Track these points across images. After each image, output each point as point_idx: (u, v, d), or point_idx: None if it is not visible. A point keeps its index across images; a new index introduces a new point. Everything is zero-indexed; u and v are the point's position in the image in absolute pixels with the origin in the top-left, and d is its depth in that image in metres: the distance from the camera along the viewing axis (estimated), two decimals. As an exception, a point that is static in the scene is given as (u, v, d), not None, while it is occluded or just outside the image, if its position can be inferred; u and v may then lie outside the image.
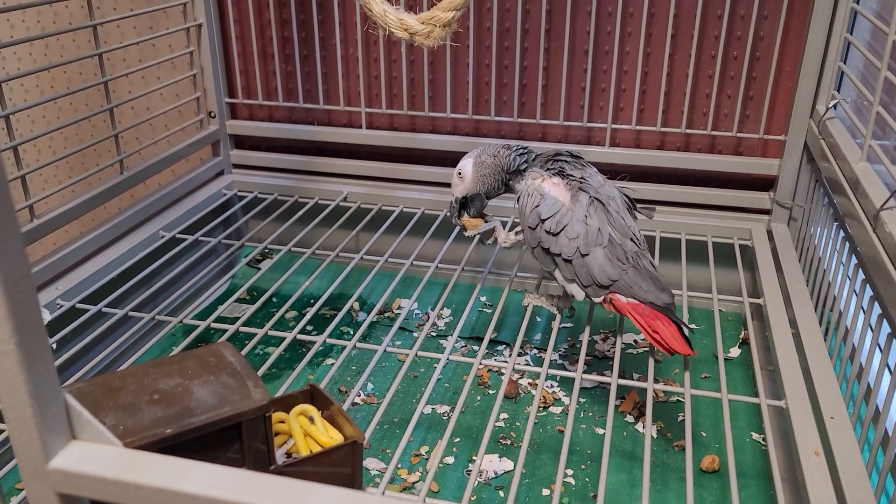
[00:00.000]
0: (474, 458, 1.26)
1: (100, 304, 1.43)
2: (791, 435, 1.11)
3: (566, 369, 1.46)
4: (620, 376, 1.21)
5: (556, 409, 1.40)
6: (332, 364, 1.46)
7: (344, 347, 1.30)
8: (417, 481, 1.22)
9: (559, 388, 1.46)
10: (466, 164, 1.35)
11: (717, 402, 1.39)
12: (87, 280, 1.50)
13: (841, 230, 1.36)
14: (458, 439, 1.33)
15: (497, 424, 1.36)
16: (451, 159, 1.85)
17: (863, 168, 1.26)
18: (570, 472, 1.25)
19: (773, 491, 1.15)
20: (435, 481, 1.23)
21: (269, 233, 1.76)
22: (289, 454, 0.93)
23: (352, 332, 1.62)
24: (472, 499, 1.20)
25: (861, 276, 1.22)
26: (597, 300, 1.24)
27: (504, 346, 1.59)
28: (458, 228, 1.60)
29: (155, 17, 2.01)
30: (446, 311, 1.73)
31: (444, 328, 1.67)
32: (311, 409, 0.97)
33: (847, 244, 1.32)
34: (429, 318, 1.67)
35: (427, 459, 1.27)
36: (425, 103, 1.87)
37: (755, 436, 1.34)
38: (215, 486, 0.51)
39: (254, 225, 1.95)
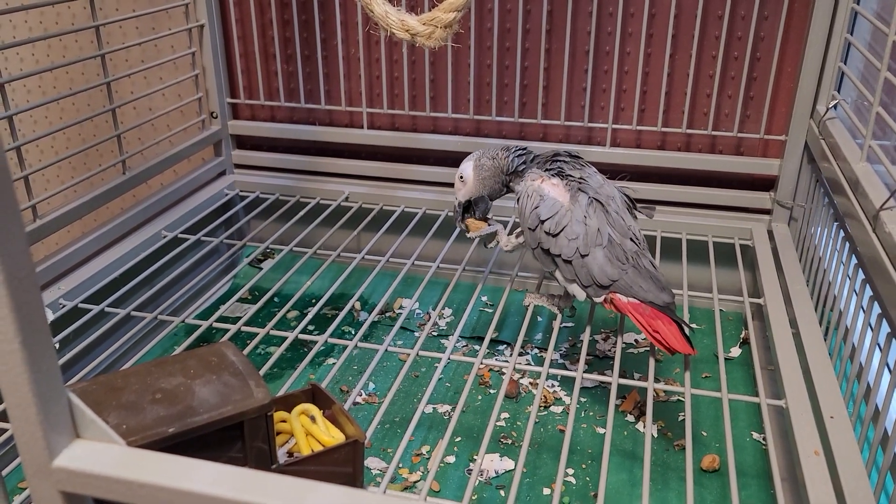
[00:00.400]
0: (475, 457, 1.26)
1: (102, 303, 1.43)
2: (791, 434, 1.12)
3: (567, 369, 1.46)
4: (621, 376, 1.21)
5: (557, 409, 1.40)
6: (334, 364, 1.47)
7: (345, 347, 1.30)
8: (418, 480, 1.23)
9: (560, 388, 1.46)
10: (467, 168, 1.35)
11: (717, 402, 1.40)
12: (89, 280, 1.51)
13: (841, 230, 1.36)
14: (459, 439, 1.33)
15: (498, 424, 1.36)
16: (452, 159, 1.86)
17: (863, 168, 1.26)
18: (570, 471, 1.26)
19: (773, 490, 1.15)
20: (436, 480, 1.23)
21: (271, 233, 1.76)
22: (290, 453, 0.94)
23: (353, 332, 1.63)
24: (473, 498, 1.20)
25: (861, 275, 1.23)
26: (597, 300, 1.25)
27: (505, 345, 1.60)
28: (458, 229, 1.60)
29: (157, 18, 2.01)
30: (447, 311, 1.74)
31: (445, 328, 1.67)
32: (313, 409, 0.98)
33: (847, 244, 1.32)
34: (430, 317, 1.67)
35: (428, 459, 1.28)
36: (427, 103, 1.87)
37: (755, 435, 1.34)
38: (217, 485, 0.52)
39: (255, 225, 1.95)
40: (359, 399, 1.43)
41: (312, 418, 0.96)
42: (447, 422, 1.36)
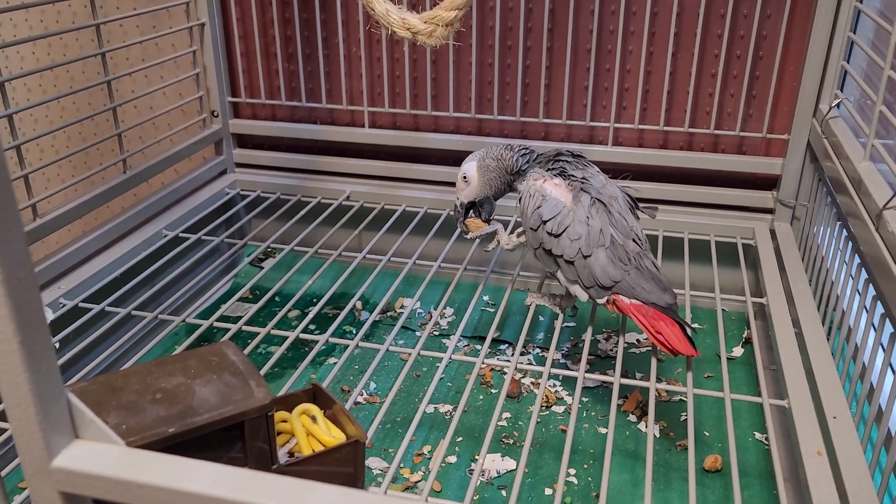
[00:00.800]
0: (477, 457, 1.26)
1: (102, 303, 1.43)
2: (794, 434, 1.11)
3: (569, 369, 1.46)
4: (623, 376, 1.21)
5: (559, 409, 1.40)
6: (335, 363, 1.46)
7: (346, 346, 1.30)
8: (420, 481, 1.23)
9: (562, 388, 1.46)
10: (470, 168, 1.34)
11: (719, 402, 1.39)
12: (89, 279, 1.51)
13: (844, 229, 1.36)
14: (460, 439, 1.33)
15: (499, 424, 1.36)
16: (453, 158, 1.85)
17: (866, 167, 1.26)
18: (572, 471, 1.25)
19: (775, 491, 1.15)
20: (437, 481, 1.23)
21: (272, 232, 1.76)
22: (291, 453, 0.93)
23: (354, 332, 1.62)
24: (475, 498, 1.20)
25: (864, 275, 1.22)
26: (600, 301, 1.24)
27: (506, 345, 1.59)
28: (459, 229, 1.60)
29: (158, 17, 2.01)
30: (449, 311, 1.73)
31: (446, 327, 1.67)
32: (314, 409, 0.98)
33: (850, 243, 1.32)
34: (431, 317, 1.67)
35: (429, 459, 1.27)
36: (428, 102, 1.87)
37: (758, 435, 1.34)
38: (218, 485, 0.51)
39: (256, 224, 1.95)
40: (360, 399, 1.42)
41: (313, 418, 0.96)
42: (448, 422, 1.35)
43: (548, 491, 1.21)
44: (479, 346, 1.59)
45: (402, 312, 1.67)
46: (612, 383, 1.18)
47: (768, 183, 1.77)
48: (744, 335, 1.63)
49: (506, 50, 1.80)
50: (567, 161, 1.30)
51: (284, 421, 0.96)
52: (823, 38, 1.55)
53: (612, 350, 1.57)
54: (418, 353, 1.29)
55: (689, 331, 1.20)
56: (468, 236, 1.40)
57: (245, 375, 0.87)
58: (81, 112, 2.04)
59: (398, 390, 1.27)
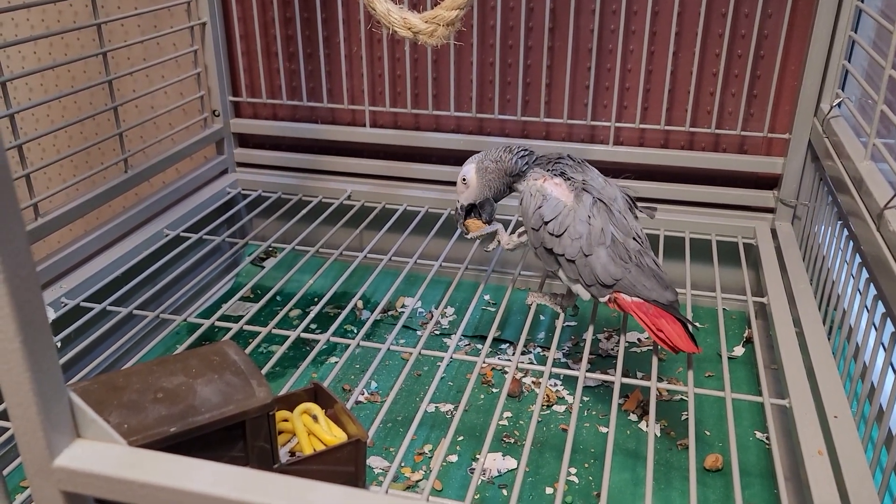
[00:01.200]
0: (478, 456, 1.26)
1: (104, 302, 1.43)
2: (794, 434, 1.11)
3: (570, 368, 1.46)
4: (624, 375, 1.21)
5: (560, 408, 1.40)
6: (336, 362, 1.46)
7: (347, 346, 1.30)
8: (421, 480, 1.23)
9: (563, 387, 1.46)
10: (470, 171, 1.35)
11: (720, 401, 1.39)
12: (91, 278, 1.51)
13: (845, 229, 1.35)
14: (461, 438, 1.33)
15: (500, 423, 1.36)
16: (454, 158, 1.86)
17: (867, 167, 1.25)
18: (573, 470, 1.25)
19: (776, 490, 1.15)
20: (438, 480, 1.23)
21: (273, 231, 1.76)
22: (292, 453, 0.94)
23: (355, 331, 1.62)
24: (476, 497, 1.20)
25: (865, 274, 1.22)
26: (602, 300, 1.24)
27: (507, 344, 1.59)
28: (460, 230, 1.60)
29: (159, 16, 2.01)
30: (450, 310, 1.73)
31: (447, 326, 1.67)
32: (315, 408, 0.98)
33: (851, 243, 1.32)
34: (432, 316, 1.67)
35: (430, 458, 1.28)
36: (429, 102, 1.87)
37: (759, 434, 1.34)
38: (219, 485, 0.51)
39: (257, 223, 1.95)
40: (361, 398, 1.42)
41: (315, 417, 0.96)
42: (450, 421, 1.35)
43: (549, 490, 1.21)
44: (480, 346, 1.59)
45: (404, 312, 1.67)
46: (613, 382, 1.18)
47: (769, 182, 1.77)
48: (745, 334, 1.63)
49: (507, 49, 1.80)
50: (567, 164, 1.30)
51: (286, 420, 0.96)
52: (825, 37, 1.55)
53: (613, 349, 1.57)
54: (419, 353, 1.29)
55: (691, 327, 1.20)
56: (469, 237, 1.40)
57: (246, 375, 0.87)
58: (83, 111, 2.04)
59: (399, 389, 1.27)
